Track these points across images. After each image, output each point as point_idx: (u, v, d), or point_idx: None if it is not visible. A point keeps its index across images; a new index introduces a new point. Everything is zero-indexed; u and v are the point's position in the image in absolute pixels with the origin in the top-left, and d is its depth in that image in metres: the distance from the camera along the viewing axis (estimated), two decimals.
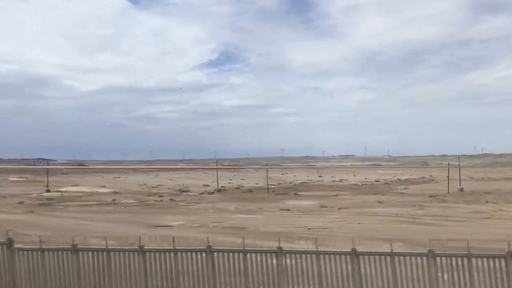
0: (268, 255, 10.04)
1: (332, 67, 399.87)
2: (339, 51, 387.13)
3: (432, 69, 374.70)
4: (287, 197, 50.54)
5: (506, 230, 23.60)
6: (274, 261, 9.96)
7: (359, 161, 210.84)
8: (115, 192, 57.85)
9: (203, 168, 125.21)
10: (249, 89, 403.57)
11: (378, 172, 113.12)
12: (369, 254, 9.58)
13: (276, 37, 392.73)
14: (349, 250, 9.61)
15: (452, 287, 9.07)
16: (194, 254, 10.33)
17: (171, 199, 48.63)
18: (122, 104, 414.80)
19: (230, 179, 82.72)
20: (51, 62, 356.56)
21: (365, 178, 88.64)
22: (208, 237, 10.55)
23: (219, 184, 65.52)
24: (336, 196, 51.80)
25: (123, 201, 46.22)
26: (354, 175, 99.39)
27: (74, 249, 10.72)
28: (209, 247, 10.24)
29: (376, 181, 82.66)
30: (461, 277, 9.05)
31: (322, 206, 39.37)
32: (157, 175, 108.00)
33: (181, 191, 61.23)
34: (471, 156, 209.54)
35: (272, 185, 67.80)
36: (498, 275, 8.86)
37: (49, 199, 49.27)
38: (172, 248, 10.40)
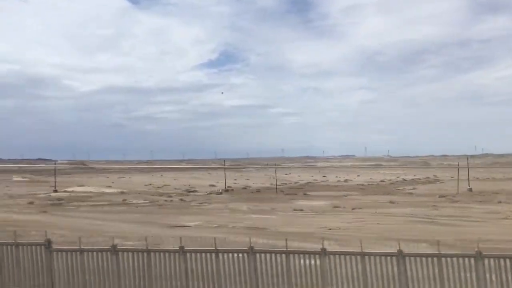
0: (312, 256, 9.98)
1: (332, 67, 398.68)
2: (339, 51, 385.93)
3: (432, 69, 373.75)
4: (297, 197, 50.55)
5: None
6: (318, 262, 9.90)
7: (360, 161, 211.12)
8: (122, 192, 57.82)
9: (207, 168, 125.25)
10: (249, 89, 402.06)
11: (381, 172, 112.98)
12: (415, 255, 9.50)
13: (276, 37, 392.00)
14: (395, 251, 9.53)
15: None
16: (235, 254, 10.28)
17: (181, 199, 48.63)
18: (122, 104, 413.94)
19: (235, 179, 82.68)
20: (51, 62, 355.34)
21: (370, 178, 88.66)
22: (250, 238, 10.44)
23: (225, 184, 65.55)
24: (345, 196, 51.81)
25: (134, 201, 46.24)
26: (358, 175, 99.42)
27: (114, 250, 10.67)
28: (251, 248, 10.17)
29: (381, 181, 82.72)
30: (510, 277, 8.98)
31: (335, 207, 39.40)
32: (161, 175, 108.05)
33: (188, 191, 61.26)
34: (471, 156, 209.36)
35: (278, 185, 67.86)
36: None
37: (59, 199, 49.28)
38: (214, 248, 10.34)
